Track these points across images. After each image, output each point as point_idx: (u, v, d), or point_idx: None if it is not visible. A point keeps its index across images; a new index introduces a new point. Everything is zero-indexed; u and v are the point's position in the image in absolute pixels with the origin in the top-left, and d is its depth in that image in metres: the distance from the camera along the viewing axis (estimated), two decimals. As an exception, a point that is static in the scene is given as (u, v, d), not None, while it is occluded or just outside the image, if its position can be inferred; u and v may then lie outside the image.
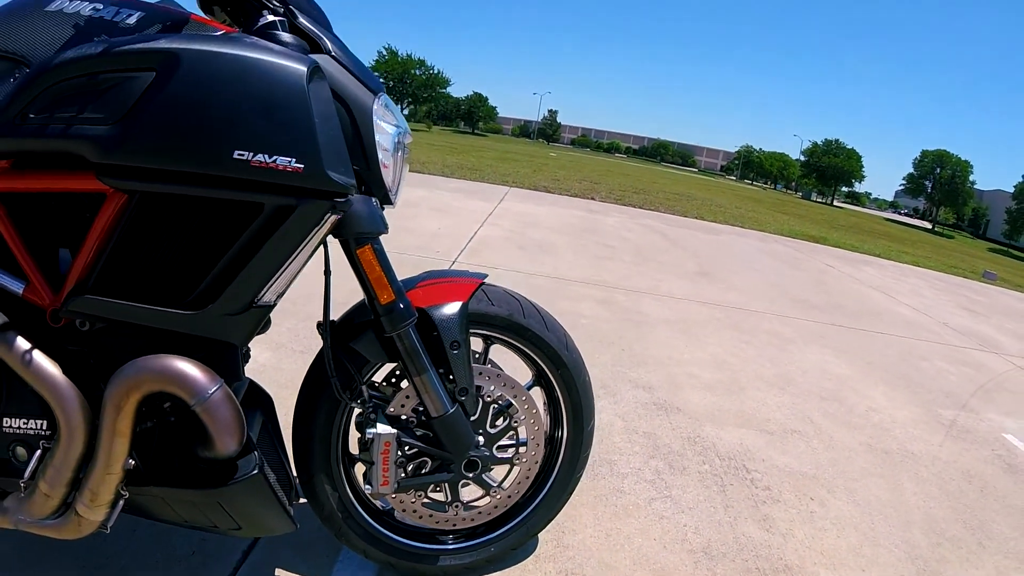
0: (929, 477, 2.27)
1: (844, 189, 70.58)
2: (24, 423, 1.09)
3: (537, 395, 1.42)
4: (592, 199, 10.48)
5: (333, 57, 1.12)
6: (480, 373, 1.33)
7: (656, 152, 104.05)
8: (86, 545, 1.32)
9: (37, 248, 1.05)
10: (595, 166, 24.74)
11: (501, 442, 1.37)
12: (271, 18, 1.10)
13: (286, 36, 1.09)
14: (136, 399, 1.03)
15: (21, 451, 1.10)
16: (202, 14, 1.18)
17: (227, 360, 1.11)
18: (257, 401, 1.28)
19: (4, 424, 1.09)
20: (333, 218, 1.07)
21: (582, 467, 1.46)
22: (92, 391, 1.07)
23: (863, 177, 65.19)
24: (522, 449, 1.40)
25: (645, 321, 3.65)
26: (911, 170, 57.83)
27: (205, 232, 1.03)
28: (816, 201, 56.27)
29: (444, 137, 41.24)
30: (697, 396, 2.61)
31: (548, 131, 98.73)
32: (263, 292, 1.08)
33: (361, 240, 1.16)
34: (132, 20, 1.07)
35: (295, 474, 1.32)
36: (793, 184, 79.17)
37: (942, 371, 3.72)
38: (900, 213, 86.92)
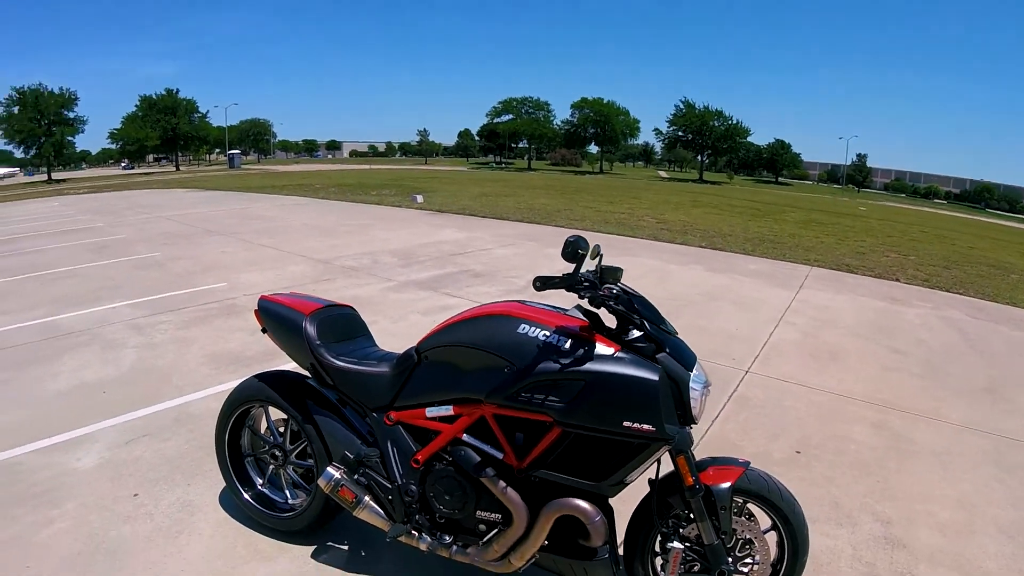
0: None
1: None
2: (489, 515, 2.29)
3: (771, 536, 2.29)
4: (896, 280, 10.20)
5: (668, 353, 2.09)
6: (736, 521, 2.24)
7: (979, 196, 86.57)
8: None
9: (509, 436, 2.23)
10: (906, 226, 22.17)
11: (743, 560, 2.28)
12: (636, 334, 2.10)
13: (645, 346, 2.08)
14: (559, 516, 2.16)
15: (483, 527, 2.32)
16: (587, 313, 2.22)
17: (604, 502, 2.22)
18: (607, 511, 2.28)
19: (478, 514, 2.30)
20: (666, 448, 2.09)
21: None
22: (531, 504, 2.19)
23: None
24: (755, 567, 2.28)
25: (911, 450, 4.12)
26: None
27: (605, 450, 2.10)
28: None
29: (745, 193, 40.14)
30: (926, 535, 3.17)
31: (857, 176, 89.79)
32: (627, 478, 2.15)
33: (677, 452, 2.13)
34: (567, 345, 2.10)
35: (621, 553, 2.41)
36: None
37: None
38: None
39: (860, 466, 3.89)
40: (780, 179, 79.98)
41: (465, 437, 2.32)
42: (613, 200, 23.09)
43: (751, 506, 2.30)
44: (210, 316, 6.63)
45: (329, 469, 2.56)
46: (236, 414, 2.95)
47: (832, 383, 5.25)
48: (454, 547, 2.39)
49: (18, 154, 59.09)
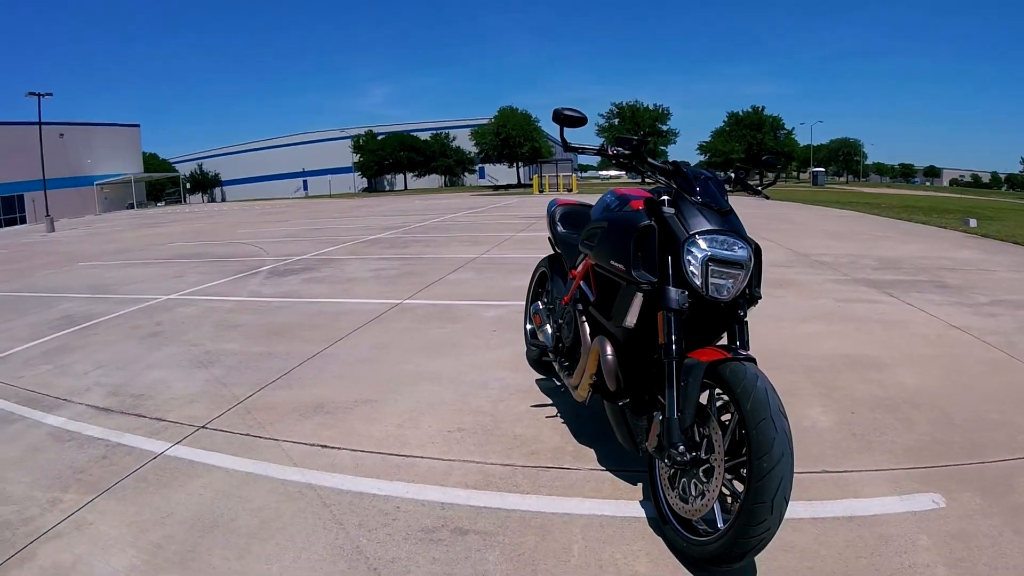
0: None
1: None
2: (571, 348, 2.96)
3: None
4: None
5: (677, 215, 2.17)
6: (710, 420, 2.05)
7: None
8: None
9: (600, 283, 2.59)
10: None
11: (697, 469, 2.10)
12: (664, 198, 2.25)
13: (668, 210, 2.20)
14: (596, 352, 2.49)
15: (564, 358, 3.08)
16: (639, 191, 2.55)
17: (618, 339, 2.45)
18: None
19: (579, 351, 2.77)
20: (640, 295, 2.20)
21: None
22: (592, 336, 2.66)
23: None
24: (706, 484, 2.06)
25: None
26: None
27: (610, 290, 2.44)
28: None
29: None
30: None
31: None
32: (623, 320, 2.30)
33: (661, 308, 2.16)
34: (614, 205, 2.60)
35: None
36: None
37: None
38: None
39: None
40: None
41: (580, 284, 2.84)
42: None
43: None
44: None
45: (537, 302, 3.62)
46: (537, 275, 3.91)
47: None
48: (564, 372, 3.05)
49: (621, 160, 71.50)
